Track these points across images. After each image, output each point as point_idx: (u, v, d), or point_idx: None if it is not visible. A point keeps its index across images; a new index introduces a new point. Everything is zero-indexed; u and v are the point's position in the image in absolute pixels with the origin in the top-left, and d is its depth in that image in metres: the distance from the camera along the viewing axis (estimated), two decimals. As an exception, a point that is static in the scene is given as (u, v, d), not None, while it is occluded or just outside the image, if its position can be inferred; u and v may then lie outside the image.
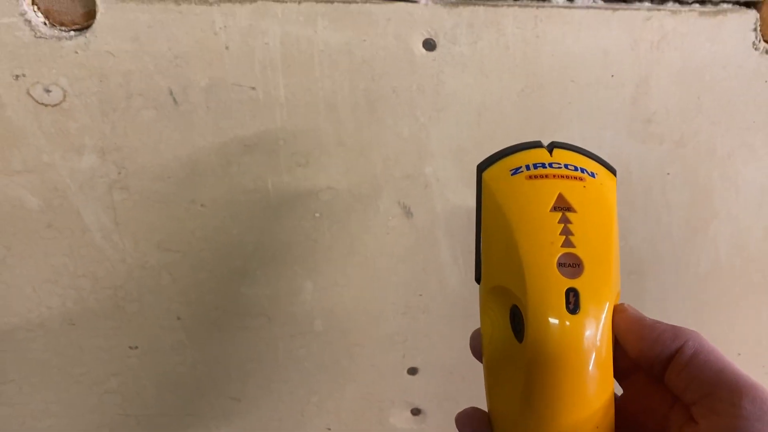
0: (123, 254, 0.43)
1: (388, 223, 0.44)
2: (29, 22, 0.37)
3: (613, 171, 0.30)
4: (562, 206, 0.27)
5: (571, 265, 0.25)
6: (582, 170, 0.29)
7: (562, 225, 0.26)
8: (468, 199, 0.43)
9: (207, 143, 0.40)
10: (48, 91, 0.38)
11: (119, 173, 0.41)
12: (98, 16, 0.37)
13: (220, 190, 0.42)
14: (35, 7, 0.37)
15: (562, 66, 0.41)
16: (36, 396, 0.47)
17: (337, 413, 0.50)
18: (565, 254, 0.26)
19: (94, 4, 0.37)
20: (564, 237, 0.26)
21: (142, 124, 0.39)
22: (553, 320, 0.24)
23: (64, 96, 0.38)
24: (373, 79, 0.40)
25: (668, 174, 0.45)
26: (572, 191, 0.27)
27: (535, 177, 0.28)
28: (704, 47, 0.42)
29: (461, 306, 0.47)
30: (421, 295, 0.46)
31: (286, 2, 0.38)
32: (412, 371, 0.49)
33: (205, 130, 0.40)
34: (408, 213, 0.43)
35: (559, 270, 0.25)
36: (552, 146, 0.30)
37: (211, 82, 0.39)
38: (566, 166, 0.29)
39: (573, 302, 0.25)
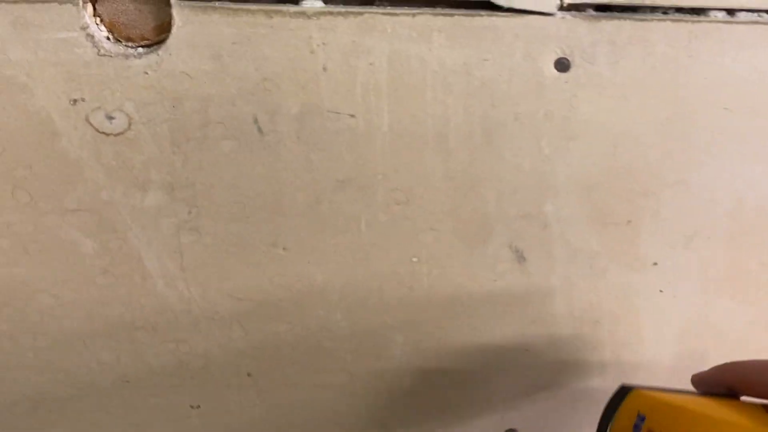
0: (189, 304, 0.37)
1: (496, 269, 0.38)
2: (91, 37, 0.30)
3: None
4: None
5: None
6: None
7: None
8: (593, 242, 0.37)
9: (294, 178, 0.34)
10: (111, 117, 0.32)
11: (189, 213, 0.34)
12: (173, 30, 0.31)
13: (305, 232, 0.36)
14: (98, 20, 0.31)
15: (717, 91, 0.34)
16: (83, 460, 0.41)
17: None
18: None
19: (168, 15, 0.31)
20: None
21: (220, 156, 0.33)
22: None
23: (129, 123, 0.32)
24: (492, 104, 0.33)
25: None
26: None
27: None
28: None
29: (570, 362, 0.41)
30: (527, 350, 0.40)
31: (398, 15, 0.31)
32: (510, 433, 0.43)
33: (292, 163, 0.34)
34: (520, 258, 0.37)
35: None
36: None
37: (304, 108, 0.33)
38: None
39: None
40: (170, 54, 0.31)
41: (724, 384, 0.29)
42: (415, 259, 0.37)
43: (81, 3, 0.30)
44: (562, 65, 0.33)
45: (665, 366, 0.41)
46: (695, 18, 0.33)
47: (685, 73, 0.34)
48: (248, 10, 0.31)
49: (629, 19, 0.33)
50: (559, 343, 0.40)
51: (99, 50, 0.31)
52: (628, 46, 0.33)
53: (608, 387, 0.41)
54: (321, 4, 0.31)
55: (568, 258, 0.38)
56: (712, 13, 0.33)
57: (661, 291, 0.39)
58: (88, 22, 0.30)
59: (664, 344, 0.41)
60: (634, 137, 0.35)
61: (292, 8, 0.31)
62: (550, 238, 0.37)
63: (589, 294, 0.39)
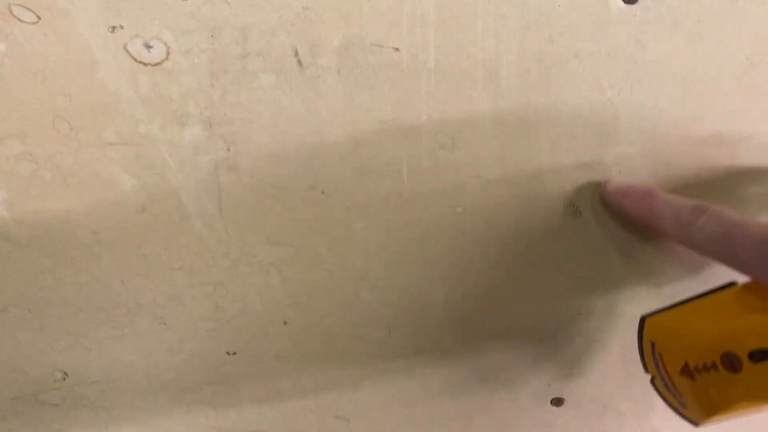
0: (227, 246, 0.36)
1: (549, 225, 0.35)
2: (130, -41, 0.29)
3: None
4: None
5: None
6: None
7: None
8: (656, 198, 0.34)
9: (335, 117, 0.32)
10: (149, 46, 0.31)
11: (228, 150, 0.33)
12: (214, -47, 0.29)
13: (345, 176, 0.34)
14: (138, -58, 0.30)
15: (809, 27, 0.30)
16: (120, 400, 0.41)
17: (461, 444, 0.42)
18: None
19: (208, -63, 0.29)
20: None
21: (259, 90, 0.32)
22: None
23: (168, 53, 0.31)
24: (550, 39, 0.31)
25: None
26: None
27: None
28: None
29: (626, 329, 0.38)
30: (579, 314, 0.37)
31: (449, -64, 0.29)
32: (557, 402, 0.40)
33: (333, 100, 0.32)
34: (576, 213, 0.34)
35: None
36: None
37: (346, 41, 0.31)
38: None
39: None
40: (209, -21, 0.30)
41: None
42: (459, 209, 0.35)
43: None
44: (630, -4, 0.30)
45: None
46: (787, -58, 0.29)
47: (772, 7, 0.30)
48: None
49: (709, -57, 0.29)
50: (614, 308, 0.37)
51: (137, -26, 0.30)
52: (707, -26, 0.30)
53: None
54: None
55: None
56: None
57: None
58: (127, -56, 0.29)
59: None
60: (708, 80, 0.32)
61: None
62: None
63: (651, 254, 0.36)
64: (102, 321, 0.39)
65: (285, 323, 0.39)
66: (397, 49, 0.31)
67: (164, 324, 0.39)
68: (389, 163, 0.34)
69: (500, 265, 0.36)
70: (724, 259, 0.26)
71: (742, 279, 0.28)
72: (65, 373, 0.41)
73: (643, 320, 0.32)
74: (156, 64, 0.32)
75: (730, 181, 0.34)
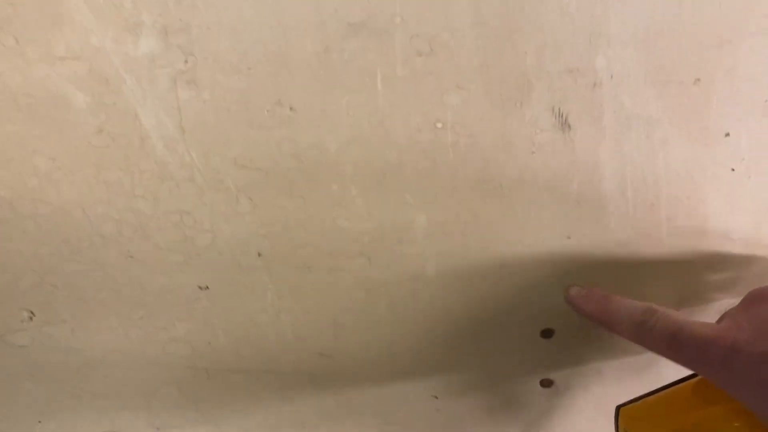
0: (191, 171, 0.34)
1: (536, 138, 0.32)
2: None
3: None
4: None
5: None
6: None
7: None
8: (651, 107, 0.31)
9: (300, 22, 0.30)
10: (93, -55, 0.28)
11: (186, 62, 0.31)
12: None
13: (314, 88, 0.31)
14: None
15: None
16: (91, 341, 0.39)
17: (448, 381, 0.40)
18: None
19: None
20: None
21: (216, -8, 0.29)
22: None
23: (115, -48, 0.28)
24: (533, -74, 0.28)
25: None
26: None
27: None
28: None
29: (621, 254, 0.35)
30: (569, 237, 0.35)
31: None
32: (547, 334, 0.38)
33: (298, 3, 0.29)
34: (564, 125, 0.32)
35: None
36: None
37: (309, -70, 0.28)
38: None
39: None
40: None
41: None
42: (439, 125, 0.32)
43: None
44: None
45: (733, 260, 0.35)
46: None
47: None
48: None
49: None
50: (608, 230, 0.35)
51: None
52: None
53: (662, 292, 0.36)
54: None
55: (621, 126, 0.32)
56: None
57: (733, 169, 0.33)
58: None
59: (735, 234, 0.35)
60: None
61: None
62: (601, 100, 0.31)
63: (645, 170, 0.33)
64: (66, 256, 0.37)
65: (259, 255, 0.36)
66: (364, -59, 0.28)
67: (131, 258, 0.37)
68: (361, 73, 0.31)
69: (484, 187, 0.34)
70: (672, 357, 0.29)
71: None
72: (32, 313, 0.39)
73: (618, 410, 0.34)
74: (102, -36, 0.29)
75: (731, 86, 0.31)
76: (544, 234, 0.35)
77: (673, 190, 0.34)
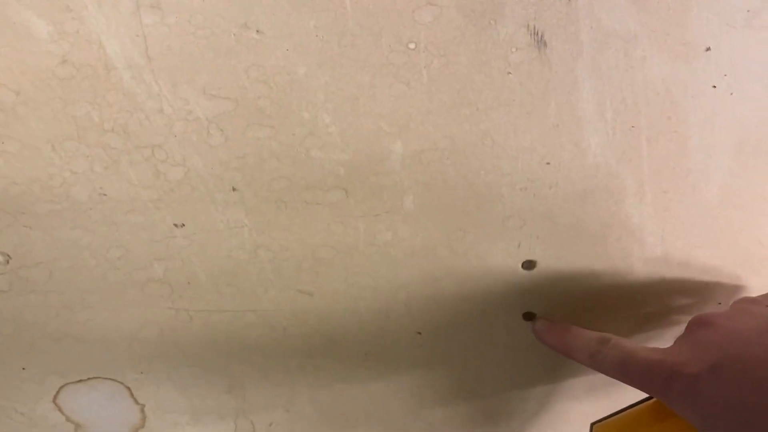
0: (159, 102, 0.33)
1: (511, 58, 0.31)
2: None
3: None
4: None
5: None
6: None
7: None
8: (629, 21, 0.30)
9: (262, -64, 0.28)
10: None
11: (147, -16, 0.30)
12: None
13: (281, 9, 0.30)
14: None
15: None
16: (68, 283, 0.39)
17: (429, 315, 0.39)
18: None
19: None
20: None
21: None
22: None
23: None
24: None
25: None
26: None
27: None
28: None
29: (601, 178, 0.35)
30: (548, 163, 0.34)
31: None
32: (529, 265, 0.38)
33: None
34: (540, 43, 0.31)
35: None
36: None
37: None
38: None
39: None
40: None
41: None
42: (411, 45, 0.32)
43: None
44: None
45: (714, 189, 0.35)
46: None
47: None
48: None
49: None
50: (587, 154, 0.34)
51: None
52: None
53: (644, 221, 0.35)
54: None
55: (599, 43, 0.31)
56: None
57: (714, 87, 0.32)
58: None
59: (716, 158, 0.34)
60: None
61: None
62: (576, 15, 0.30)
63: (624, 91, 0.32)
64: (38, 195, 0.36)
65: (233, 189, 0.36)
66: None
67: (104, 195, 0.36)
68: (329, -8, 0.30)
69: (459, 110, 0.33)
70: (625, 381, 0.31)
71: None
72: (8, 256, 0.38)
73: (591, 427, 0.37)
74: None
75: None
76: (522, 158, 0.34)
77: (653, 111, 0.33)
